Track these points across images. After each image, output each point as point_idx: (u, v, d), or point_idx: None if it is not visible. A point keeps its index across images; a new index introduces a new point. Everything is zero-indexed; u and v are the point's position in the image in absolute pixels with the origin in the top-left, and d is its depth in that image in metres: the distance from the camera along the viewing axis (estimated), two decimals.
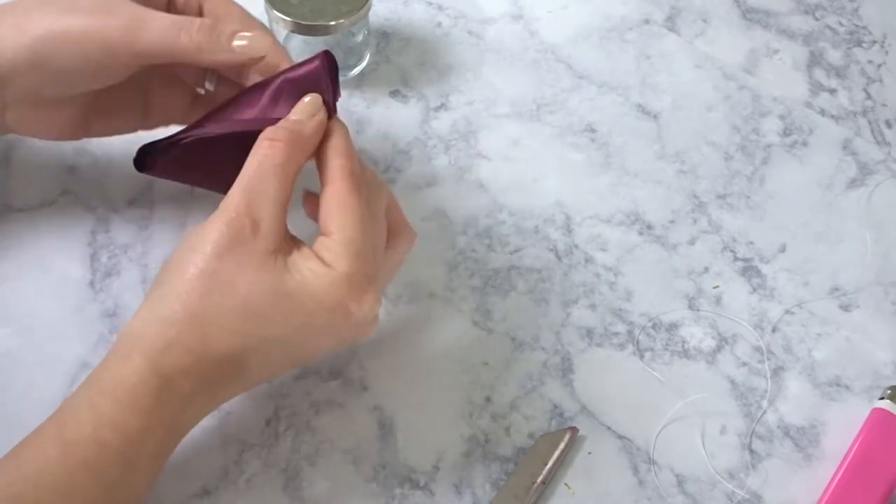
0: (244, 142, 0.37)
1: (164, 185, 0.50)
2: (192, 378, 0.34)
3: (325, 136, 0.38)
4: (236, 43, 0.39)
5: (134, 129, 0.45)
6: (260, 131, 0.37)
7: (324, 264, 0.35)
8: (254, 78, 0.41)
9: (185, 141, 0.40)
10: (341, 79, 0.56)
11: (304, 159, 0.38)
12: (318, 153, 0.39)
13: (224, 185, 0.36)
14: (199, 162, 0.42)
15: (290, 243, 0.36)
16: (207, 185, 0.44)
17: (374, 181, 0.40)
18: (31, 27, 0.38)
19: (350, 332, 0.38)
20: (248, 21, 0.41)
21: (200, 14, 0.42)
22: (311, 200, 0.40)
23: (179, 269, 0.34)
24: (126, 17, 0.38)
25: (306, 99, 0.39)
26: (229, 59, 0.39)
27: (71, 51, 0.38)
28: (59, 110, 0.41)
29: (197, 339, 0.34)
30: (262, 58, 0.40)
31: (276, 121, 0.38)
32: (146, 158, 0.42)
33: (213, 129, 0.40)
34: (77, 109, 0.42)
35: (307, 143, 0.37)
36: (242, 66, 0.41)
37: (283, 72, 0.40)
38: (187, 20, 0.39)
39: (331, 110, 0.39)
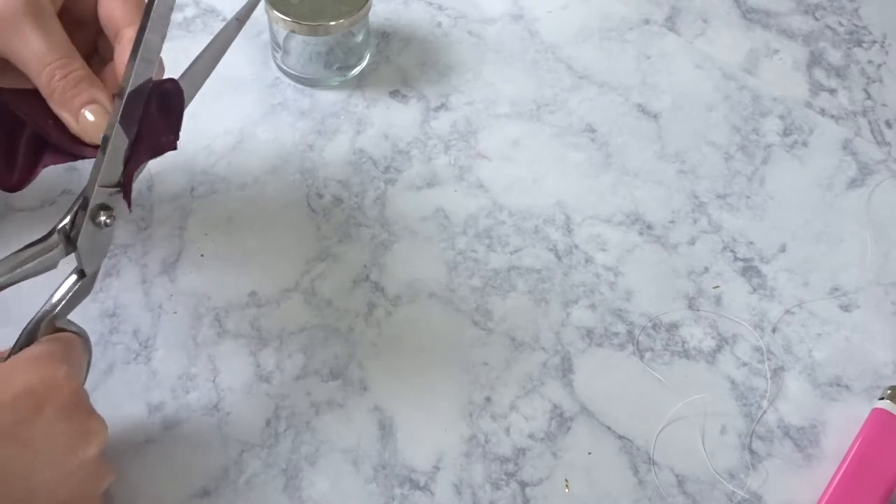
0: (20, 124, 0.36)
1: (164, 185, 0.50)
2: None
3: None
4: (84, 112, 0.35)
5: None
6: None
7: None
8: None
9: None
10: (342, 79, 0.56)
11: None
12: None
13: None
14: None
15: None
16: None
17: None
18: None
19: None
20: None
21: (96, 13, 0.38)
22: None
23: None
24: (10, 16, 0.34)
25: None
26: (68, 122, 0.36)
27: None
28: None
29: None
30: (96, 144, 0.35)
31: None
32: None
33: (14, 101, 0.37)
34: None
35: None
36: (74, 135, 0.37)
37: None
38: (62, 60, 0.35)
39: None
